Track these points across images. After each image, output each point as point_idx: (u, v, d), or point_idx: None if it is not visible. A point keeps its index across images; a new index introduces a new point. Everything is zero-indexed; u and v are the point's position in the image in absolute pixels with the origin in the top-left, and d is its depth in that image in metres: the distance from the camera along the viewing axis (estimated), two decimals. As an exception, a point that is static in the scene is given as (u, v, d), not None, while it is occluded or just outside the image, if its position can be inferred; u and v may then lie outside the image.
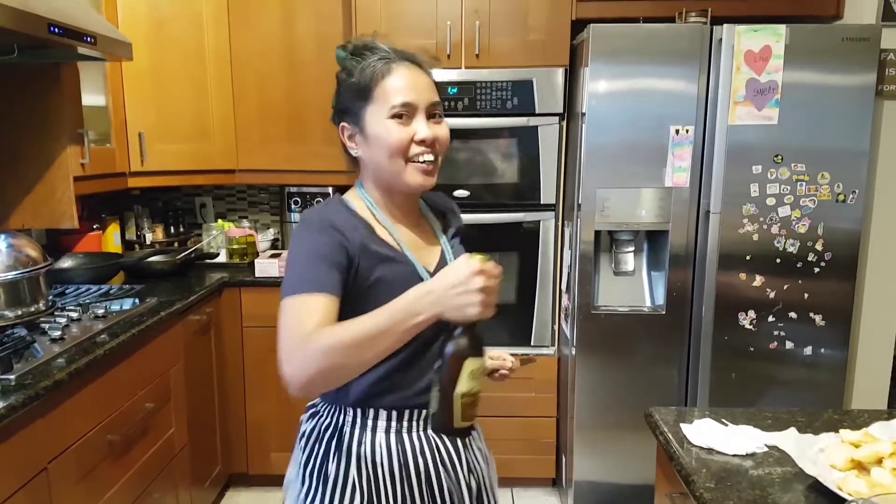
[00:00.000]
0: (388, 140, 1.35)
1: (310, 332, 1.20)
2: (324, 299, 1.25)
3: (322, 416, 1.47)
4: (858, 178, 2.81)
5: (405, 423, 1.41)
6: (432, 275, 1.38)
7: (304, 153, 3.52)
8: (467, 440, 1.49)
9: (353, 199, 1.47)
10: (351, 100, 1.40)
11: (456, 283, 1.19)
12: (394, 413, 1.40)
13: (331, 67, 3.52)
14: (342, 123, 1.45)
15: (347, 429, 1.41)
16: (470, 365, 1.21)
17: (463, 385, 1.21)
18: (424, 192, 1.50)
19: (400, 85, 1.35)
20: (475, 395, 1.23)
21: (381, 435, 1.40)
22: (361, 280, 1.33)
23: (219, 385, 3.29)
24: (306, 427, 1.51)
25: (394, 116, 1.35)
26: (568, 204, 3.19)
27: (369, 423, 1.40)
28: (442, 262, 1.45)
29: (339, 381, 1.29)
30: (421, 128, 1.36)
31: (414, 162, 1.36)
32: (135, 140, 3.17)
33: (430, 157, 1.37)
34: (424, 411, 1.40)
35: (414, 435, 1.42)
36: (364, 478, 1.39)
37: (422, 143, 1.36)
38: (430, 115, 1.38)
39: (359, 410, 1.40)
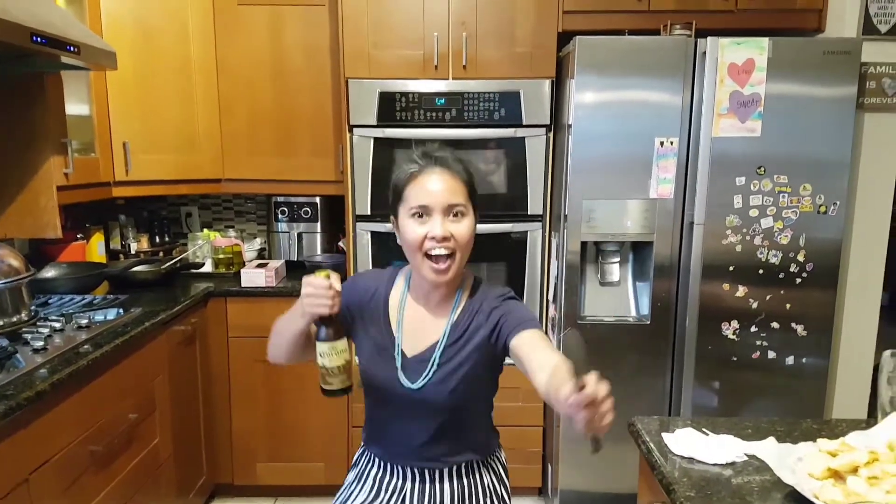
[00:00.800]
0: (406, 235, 1.60)
1: None
2: None
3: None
4: (839, 189, 2.84)
5: (389, 470, 1.76)
6: (412, 358, 1.67)
7: (292, 163, 3.52)
8: (445, 482, 1.73)
9: (403, 273, 1.77)
10: (393, 198, 1.65)
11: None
12: (377, 461, 1.78)
13: (317, 77, 3.55)
14: (391, 216, 1.69)
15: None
16: (318, 347, 1.53)
17: (317, 359, 1.55)
18: (483, 286, 1.73)
19: (421, 189, 1.58)
20: (326, 369, 1.54)
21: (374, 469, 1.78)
22: (350, 326, 1.71)
23: (204, 395, 3.27)
24: None
25: (413, 216, 1.58)
26: (555, 215, 3.20)
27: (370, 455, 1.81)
28: (432, 347, 1.67)
29: (281, 353, 1.70)
30: (434, 226, 1.56)
31: (428, 258, 1.58)
32: (119, 149, 3.16)
33: (442, 251, 1.56)
34: (404, 468, 1.74)
35: (392, 480, 1.75)
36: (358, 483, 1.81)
37: (433, 238, 1.56)
38: (452, 214, 1.58)
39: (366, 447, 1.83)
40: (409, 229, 1.59)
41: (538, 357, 1.49)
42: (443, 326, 1.67)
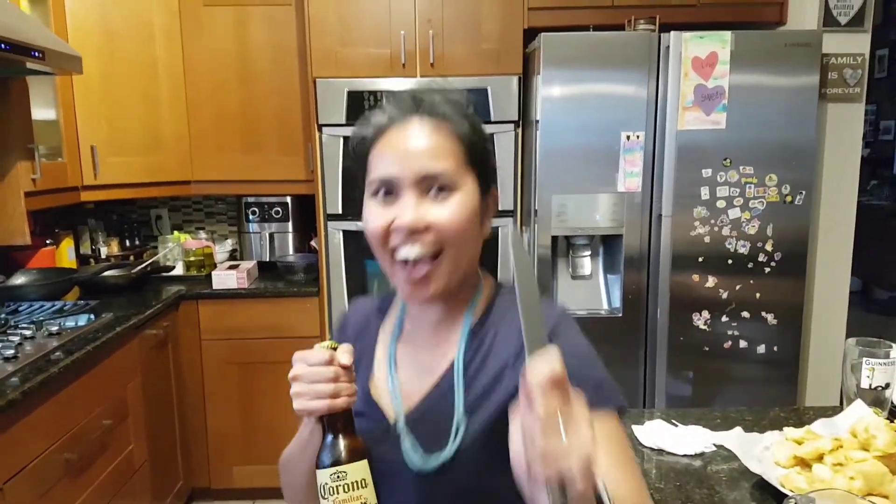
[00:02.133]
0: (365, 226, 1.04)
1: None
2: None
3: None
4: (805, 179, 2.88)
5: None
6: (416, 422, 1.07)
7: (260, 163, 3.51)
8: None
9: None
10: (355, 172, 1.09)
11: None
12: None
13: (285, 77, 3.53)
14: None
15: None
16: (319, 478, 0.93)
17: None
18: (507, 290, 1.15)
19: (384, 153, 1.02)
20: None
21: None
22: None
23: (178, 399, 3.26)
24: None
25: (375, 194, 1.03)
26: (525, 210, 3.22)
27: None
28: (434, 391, 1.07)
29: (298, 497, 1.10)
30: (401, 210, 0.99)
31: (396, 260, 1.02)
32: (87, 153, 3.13)
33: (411, 252, 0.99)
34: None
35: None
36: None
37: (398, 231, 0.99)
38: (437, 189, 1.00)
39: None
40: (368, 215, 1.03)
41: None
42: (450, 356, 1.07)
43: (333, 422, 0.94)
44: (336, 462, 0.92)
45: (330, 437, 0.94)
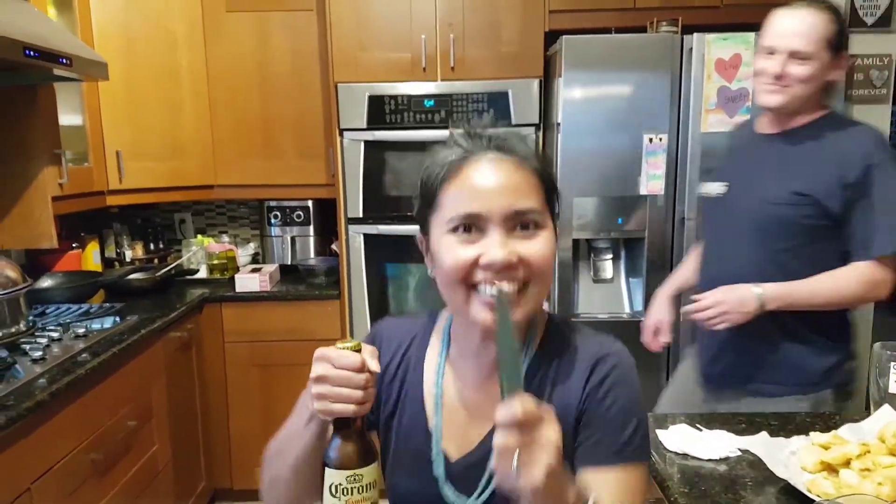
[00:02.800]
0: (442, 262, 1.01)
1: None
2: None
3: None
4: (829, 181, 2.85)
5: None
6: (459, 461, 1.09)
7: (280, 167, 3.53)
8: None
9: (438, 326, 1.19)
10: (420, 206, 1.08)
11: None
12: None
13: (306, 81, 3.54)
14: (420, 234, 1.11)
15: None
16: (328, 478, 0.94)
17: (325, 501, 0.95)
18: (565, 328, 1.16)
19: (465, 188, 1.00)
20: None
21: None
22: (380, 410, 1.16)
23: (201, 401, 3.28)
24: None
25: (454, 230, 1.00)
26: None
27: None
28: (487, 438, 1.04)
29: (280, 491, 1.12)
30: (490, 246, 0.97)
31: (478, 292, 1.00)
32: (112, 158, 3.17)
33: (504, 288, 0.97)
34: None
35: None
36: None
37: (488, 267, 0.97)
38: (522, 226, 1.00)
39: None
40: (449, 252, 1.00)
41: None
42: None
43: (351, 423, 0.94)
44: (352, 464, 0.92)
45: (345, 438, 0.94)
